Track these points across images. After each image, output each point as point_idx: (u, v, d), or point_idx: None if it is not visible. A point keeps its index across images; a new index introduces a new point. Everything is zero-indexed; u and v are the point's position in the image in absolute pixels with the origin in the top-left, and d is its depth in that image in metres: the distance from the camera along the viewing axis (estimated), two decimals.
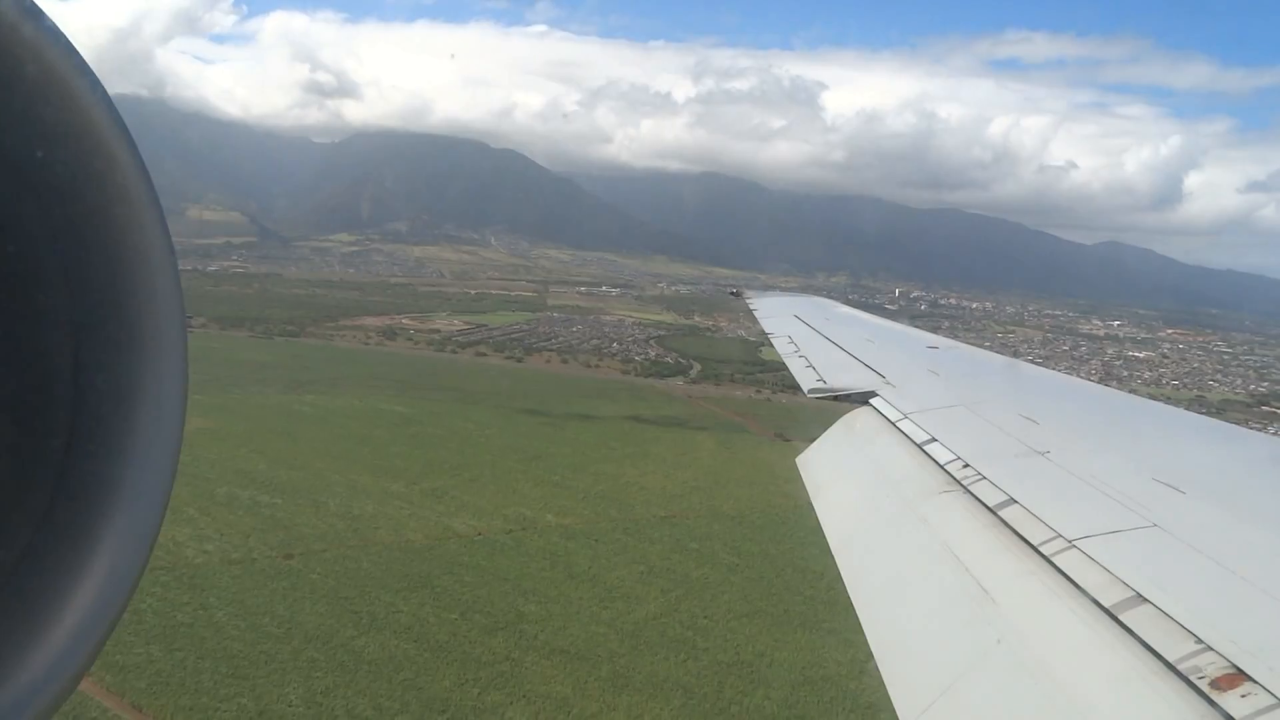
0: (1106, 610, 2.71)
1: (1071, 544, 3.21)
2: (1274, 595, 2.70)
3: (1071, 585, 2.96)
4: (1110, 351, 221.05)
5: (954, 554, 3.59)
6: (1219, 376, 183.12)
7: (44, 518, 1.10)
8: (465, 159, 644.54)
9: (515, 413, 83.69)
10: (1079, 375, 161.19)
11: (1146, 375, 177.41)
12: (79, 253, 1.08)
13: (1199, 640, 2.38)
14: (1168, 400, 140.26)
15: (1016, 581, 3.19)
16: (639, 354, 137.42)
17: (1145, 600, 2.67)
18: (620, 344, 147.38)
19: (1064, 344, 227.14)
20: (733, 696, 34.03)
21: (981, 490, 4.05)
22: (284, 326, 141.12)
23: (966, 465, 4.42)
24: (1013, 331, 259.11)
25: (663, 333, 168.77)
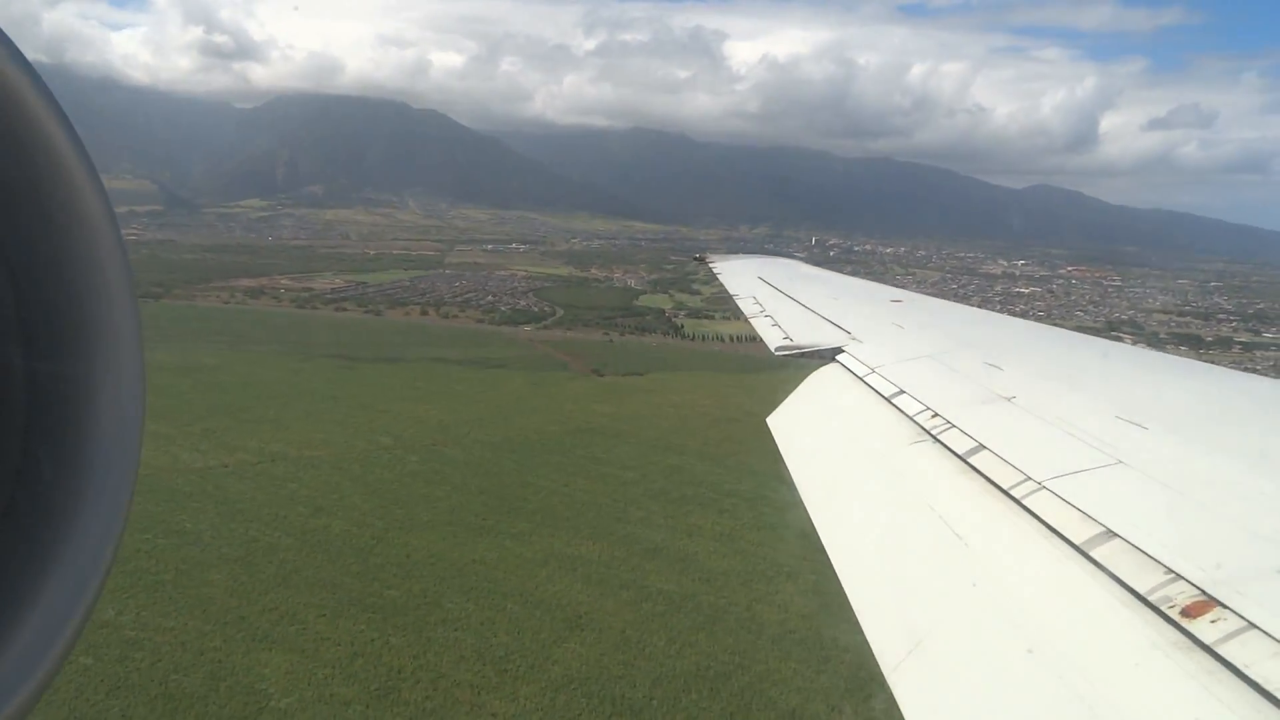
0: (1077, 548, 2.78)
1: (1041, 485, 3.28)
2: (1238, 523, 2.78)
3: (1043, 525, 3.02)
4: (999, 289, 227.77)
5: (927, 502, 3.67)
6: (1090, 307, 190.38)
7: (2, 519, 1.07)
8: (386, 121, 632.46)
9: (331, 359, 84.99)
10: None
11: (1019, 308, 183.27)
12: (24, 252, 1.04)
13: (1168, 570, 2.44)
14: None
15: (989, 525, 3.25)
16: (506, 304, 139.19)
17: (1115, 535, 2.74)
18: (494, 296, 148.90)
19: (955, 283, 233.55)
20: (377, 590, 36.31)
21: (951, 438, 4.12)
22: (149, 289, 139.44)
23: (935, 415, 4.49)
24: (913, 273, 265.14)
25: (548, 284, 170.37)
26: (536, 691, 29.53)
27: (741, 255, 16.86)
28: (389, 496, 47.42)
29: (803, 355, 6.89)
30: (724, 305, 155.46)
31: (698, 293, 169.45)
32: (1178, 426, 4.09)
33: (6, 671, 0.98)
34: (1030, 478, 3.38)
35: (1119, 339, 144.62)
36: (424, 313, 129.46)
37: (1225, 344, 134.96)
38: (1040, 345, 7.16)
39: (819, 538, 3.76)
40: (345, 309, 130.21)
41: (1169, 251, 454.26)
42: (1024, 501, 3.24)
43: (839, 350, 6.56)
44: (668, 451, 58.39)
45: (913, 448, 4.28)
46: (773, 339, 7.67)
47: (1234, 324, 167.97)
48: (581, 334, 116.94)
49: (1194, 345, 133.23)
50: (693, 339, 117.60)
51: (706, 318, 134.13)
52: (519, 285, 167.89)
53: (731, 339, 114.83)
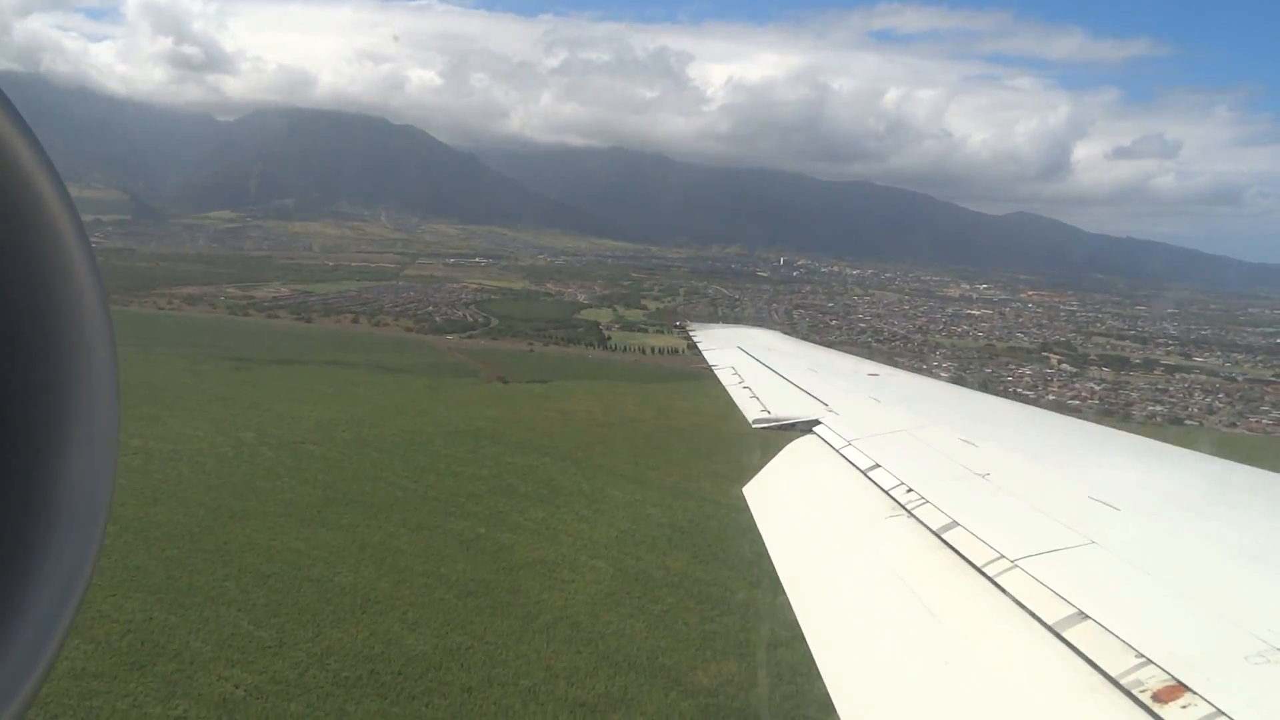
0: (1050, 628, 2.78)
1: (1014, 564, 3.28)
2: (1209, 608, 2.76)
3: (1015, 604, 3.02)
4: (950, 310, 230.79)
5: (901, 578, 3.64)
6: (1032, 329, 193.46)
7: None
8: (364, 135, 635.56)
9: (237, 362, 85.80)
10: (900, 325, 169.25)
11: (963, 329, 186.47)
12: None
13: (1139, 654, 2.43)
14: (952, 344, 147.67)
15: (962, 603, 3.24)
16: (443, 314, 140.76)
17: (1087, 617, 2.74)
18: (435, 306, 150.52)
19: (908, 305, 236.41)
20: (176, 574, 36.94)
21: (925, 514, 4.14)
22: None
23: (910, 490, 4.52)
24: (871, 294, 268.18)
25: (495, 297, 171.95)
26: (286, 666, 30.32)
27: (721, 325, 17.26)
28: (229, 490, 48.09)
29: (780, 427, 6.89)
30: (660, 320, 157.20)
31: (644, 308, 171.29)
32: (1150, 509, 4.08)
33: None
34: (1004, 556, 3.39)
35: (1046, 358, 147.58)
36: (355, 320, 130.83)
37: (1150, 366, 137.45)
38: (1015, 422, 7.20)
39: (794, 615, 3.74)
40: (278, 316, 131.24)
41: (1141, 279, 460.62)
42: (997, 579, 3.24)
43: (816, 422, 6.63)
44: (532, 452, 59.40)
45: (887, 522, 4.30)
46: (751, 411, 7.71)
47: (1170, 349, 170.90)
48: (507, 344, 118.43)
49: (1118, 367, 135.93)
50: (616, 350, 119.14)
51: (640, 331, 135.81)
52: (465, 297, 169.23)
53: (654, 351, 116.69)
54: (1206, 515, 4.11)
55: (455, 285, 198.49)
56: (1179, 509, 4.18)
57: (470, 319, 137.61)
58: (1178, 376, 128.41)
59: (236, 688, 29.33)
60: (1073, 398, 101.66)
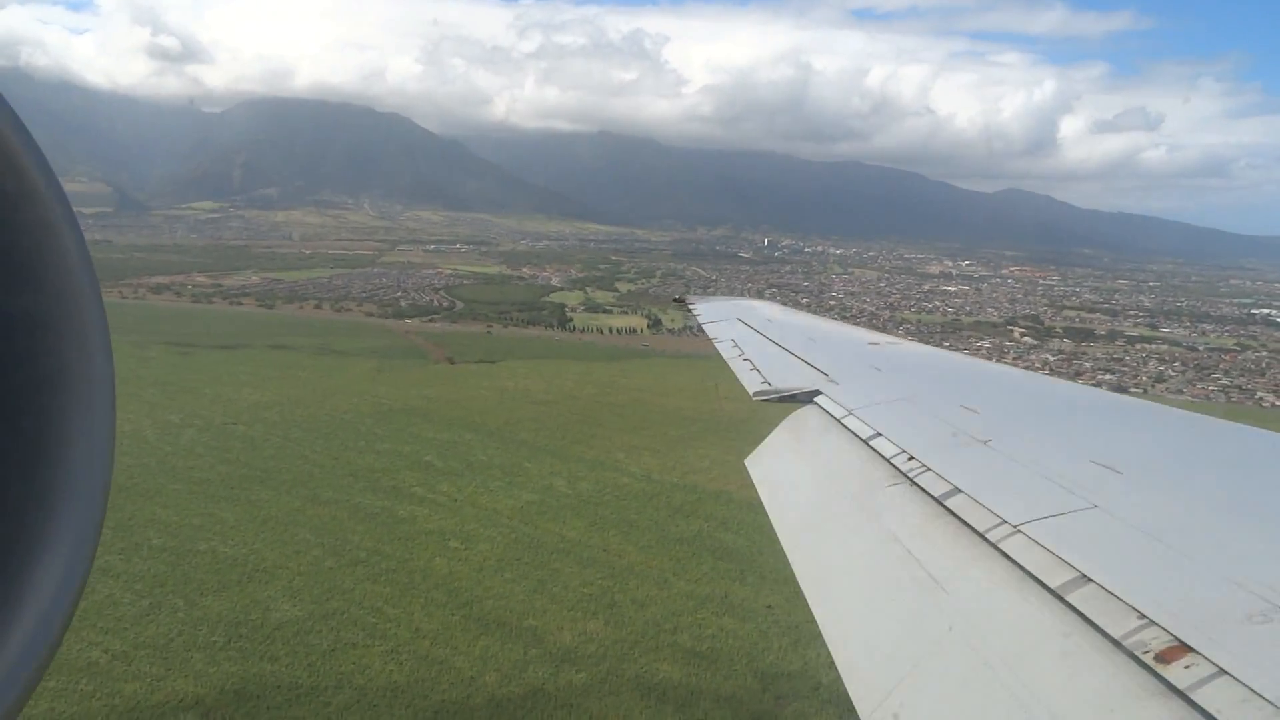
0: (1053, 591, 2.81)
1: (1016, 529, 3.30)
2: (1212, 569, 2.78)
3: (1018, 569, 3.05)
4: (926, 287, 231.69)
5: (903, 545, 3.66)
6: (1004, 304, 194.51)
7: None
8: (349, 124, 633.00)
9: (178, 346, 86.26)
10: (870, 303, 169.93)
11: (932, 305, 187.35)
12: None
13: (1142, 616, 2.47)
14: (919, 320, 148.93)
15: (965, 569, 3.27)
16: (409, 299, 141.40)
17: (1090, 580, 2.78)
18: (403, 292, 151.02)
19: (884, 282, 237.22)
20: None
21: (927, 481, 4.16)
22: None
23: (911, 458, 4.53)
24: (851, 272, 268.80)
25: (466, 281, 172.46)
26: (157, 633, 30.63)
27: (720, 296, 16.88)
28: (143, 469, 48.16)
29: (781, 399, 6.84)
30: (630, 302, 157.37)
31: (616, 290, 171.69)
32: (1152, 471, 4.09)
33: None
34: (1006, 521, 3.41)
35: (1009, 331, 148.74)
36: (317, 306, 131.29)
37: (1113, 338, 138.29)
38: (1016, 389, 7.12)
39: (796, 581, 3.78)
40: (241, 304, 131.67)
41: (1130, 254, 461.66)
42: (999, 545, 3.27)
43: (816, 392, 6.61)
44: (459, 429, 59.51)
45: (889, 490, 4.32)
46: (751, 383, 7.66)
47: (1139, 320, 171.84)
48: (466, 326, 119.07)
49: (1080, 338, 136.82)
50: (575, 331, 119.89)
51: (605, 312, 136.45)
52: (436, 282, 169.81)
53: (612, 331, 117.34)
54: (1209, 476, 4.09)
55: (430, 271, 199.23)
56: (1182, 471, 4.17)
57: (436, 303, 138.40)
58: (1138, 347, 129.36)
59: (104, 653, 29.99)
60: (1024, 369, 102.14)
